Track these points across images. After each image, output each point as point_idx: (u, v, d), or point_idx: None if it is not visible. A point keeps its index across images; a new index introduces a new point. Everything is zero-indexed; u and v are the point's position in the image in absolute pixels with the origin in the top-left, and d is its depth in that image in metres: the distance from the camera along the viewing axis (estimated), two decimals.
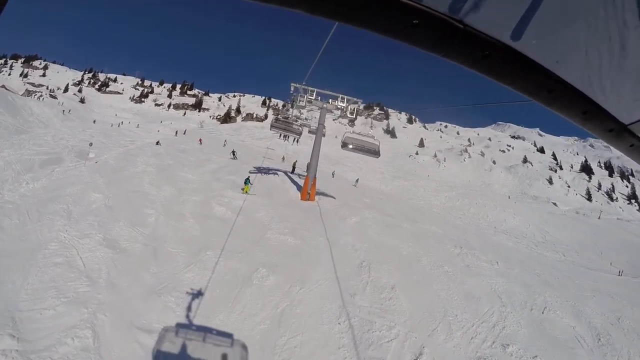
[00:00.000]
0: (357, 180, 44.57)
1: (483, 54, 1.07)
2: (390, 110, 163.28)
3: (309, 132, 28.26)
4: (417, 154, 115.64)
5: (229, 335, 8.21)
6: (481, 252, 19.28)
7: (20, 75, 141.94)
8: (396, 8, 0.93)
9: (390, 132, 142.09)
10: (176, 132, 68.81)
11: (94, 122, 65.35)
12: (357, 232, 17.05)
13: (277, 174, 31.43)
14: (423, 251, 16.74)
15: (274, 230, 15.39)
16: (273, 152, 60.91)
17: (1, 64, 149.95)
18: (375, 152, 17.11)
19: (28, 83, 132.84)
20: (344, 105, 24.48)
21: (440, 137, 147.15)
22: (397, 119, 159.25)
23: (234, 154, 33.89)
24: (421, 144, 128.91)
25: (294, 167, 38.99)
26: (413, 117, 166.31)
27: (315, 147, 24.77)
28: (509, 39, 1.04)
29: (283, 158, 51.39)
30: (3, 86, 76.88)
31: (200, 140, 53.87)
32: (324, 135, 25.94)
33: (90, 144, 24.57)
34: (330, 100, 25.42)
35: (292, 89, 24.29)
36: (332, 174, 41.12)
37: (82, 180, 18.67)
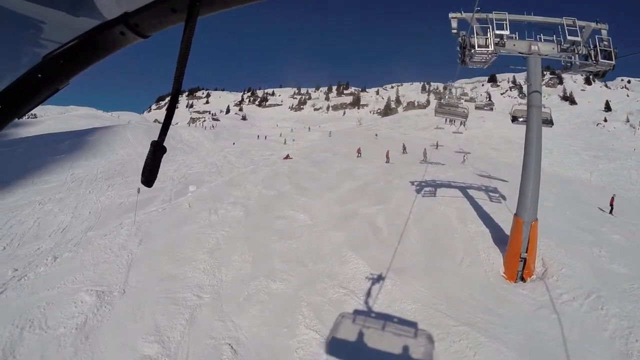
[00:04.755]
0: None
1: None
2: (563, 74, 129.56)
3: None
4: (605, 120, 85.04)
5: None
6: None
7: (186, 106, 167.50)
8: None
9: (569, 98, 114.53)
10: (330, 132, 62.28)
11: (258, 137, 63.59)
12: None
13: (450, 186, 19.65)
14: None
15: None
16: (440, 145, 48.34)
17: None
18: None
19: (193, 112, 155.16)
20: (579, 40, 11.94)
21: (627, 95, 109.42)
22: (573, 81, 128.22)
23: None
24: (607, 107, 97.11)
25: None
26: (591, 76, 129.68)
27: (531, 150, 12.26)
28: None
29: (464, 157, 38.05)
30: (156, 120, 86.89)
31: (358, 150, 33.20)
32: (548, 122, 13.46)
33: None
34: (541, 38, 13.02)
35: (453, 25, 13.10)
36: None
37: (93, 261, 11.65)
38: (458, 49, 13.84)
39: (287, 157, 32.03)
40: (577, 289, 9.56)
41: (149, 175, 0.74)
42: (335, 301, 8.76)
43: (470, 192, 18.45)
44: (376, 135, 54.10)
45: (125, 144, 41.16)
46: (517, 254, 10.73)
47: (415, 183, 20.21)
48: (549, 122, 13.74)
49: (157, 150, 0.75)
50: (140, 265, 11.09)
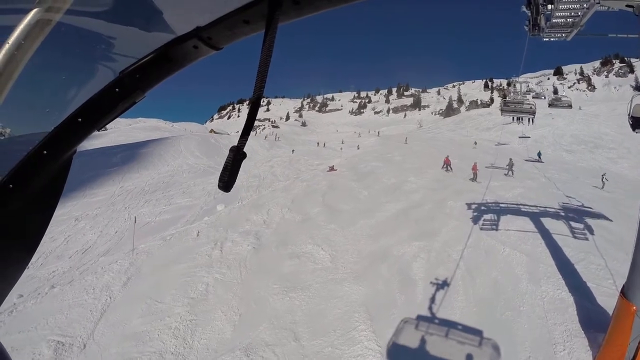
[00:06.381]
0: None
1: None
2: (633, 60, 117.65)
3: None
4: None
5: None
6: None
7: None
8: None
9: None
10: (406, 139, 57.44)
11: (318, 144, 62.39)
12: None
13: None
14: None
15: None
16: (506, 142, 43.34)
17: (230, 110, 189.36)
18: None
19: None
20: None
21: None
22: None
23: None
24: None
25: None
26: None
27: None
28: None
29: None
30: (212, 130, 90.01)
31: (446, 161, 26.64)
32: None
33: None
34: None
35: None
36: None
37: (71, 302, 10.49)
38: (524, 9, 10.31)
39: (332, 168, 29.65)
40: None
41: (228, 180, 0.72)
42: None
43: (545, 221, 14.34)
44: (475, 143, 46.98)
45: (178, 155, 41.71)
46: (618, 359, 6.18)
47: (473, 206, 16.66)
48: None
49: (237, 156, 0.74)
50: (114, 314, 9.56)
